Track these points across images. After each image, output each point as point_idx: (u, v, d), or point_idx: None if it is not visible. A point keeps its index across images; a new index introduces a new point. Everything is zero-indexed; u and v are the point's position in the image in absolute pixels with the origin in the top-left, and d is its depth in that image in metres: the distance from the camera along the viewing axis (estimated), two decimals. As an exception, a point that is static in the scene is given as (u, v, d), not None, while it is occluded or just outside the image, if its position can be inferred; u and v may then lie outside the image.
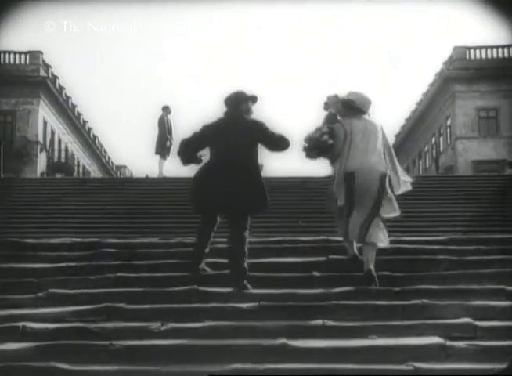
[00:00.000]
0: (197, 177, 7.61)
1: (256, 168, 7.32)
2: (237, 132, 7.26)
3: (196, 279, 7.73)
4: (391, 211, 7.52)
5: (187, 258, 8.26)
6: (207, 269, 8.08)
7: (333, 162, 7.48)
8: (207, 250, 7.93)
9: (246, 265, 7.51)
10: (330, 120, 19.25)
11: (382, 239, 7.42)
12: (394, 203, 7.41)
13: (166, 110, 20.84)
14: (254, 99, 7.59)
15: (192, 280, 7.72)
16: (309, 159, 7.42)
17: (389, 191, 7.40)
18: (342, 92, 8.25)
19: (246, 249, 7.52)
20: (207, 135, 7.44)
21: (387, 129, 7.76)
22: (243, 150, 7.25)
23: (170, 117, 20.91)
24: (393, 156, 7.34)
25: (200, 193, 7.55)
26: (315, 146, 7.25)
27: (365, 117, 7.41)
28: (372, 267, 7.40)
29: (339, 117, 7.66)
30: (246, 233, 7.55)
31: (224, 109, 7.57)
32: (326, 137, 7.19)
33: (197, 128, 7.59)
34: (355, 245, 7.83)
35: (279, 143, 7.32)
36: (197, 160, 7.62)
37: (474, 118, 39.93)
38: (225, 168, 7.26)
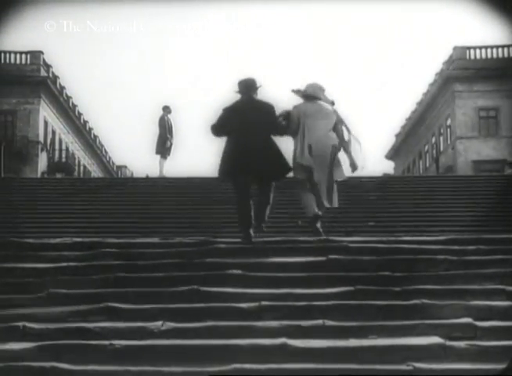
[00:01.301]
0: (226, 150, 8.60)
1: (273, 140, 8.53)
2: (256, 112, 8.46)
3: (249, 241, 8.75)
4: (341, 175, 8.97)
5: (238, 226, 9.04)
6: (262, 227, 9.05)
7: (293, 137, 8.80)
8: (251, 213, 8.71)
9: (266, 217, 8.89)
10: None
11: (335, 201, 9.17)
12: (342, 168, 8.74)
13: (166, 109, 20.84)
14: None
15: (247, 242, 8.72)
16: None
17: (339, 159, 8.73)
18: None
19: (270, 202, 8.78)
20: (231, 116, 8.55)
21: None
22: (262, 126, 8.40)
23: (170, 116, 20.91)
24: (347, 130, 8.72)
25: (231, 162, 8.48)
26: None
27: (319, 101, 8.84)
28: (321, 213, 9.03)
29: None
30: (272, 193, 8.78)
31: (238, 92, 8.74)
32: (281, 119, 8.71)
33: (219, 112, 8.70)
34: (315, 204, 9.04)
35: (278, 128, 8.73)
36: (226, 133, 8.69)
37: (474, 118, 39.92)
38: (249, 140, 8.34)
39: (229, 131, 8.56)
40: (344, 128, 8.73)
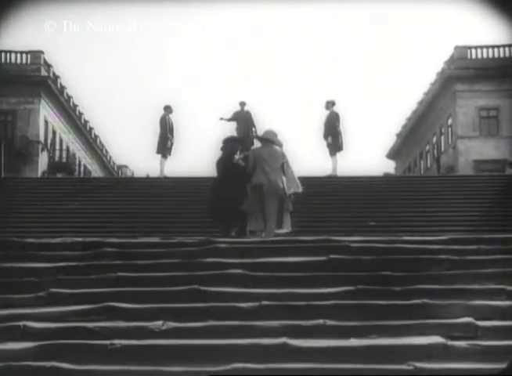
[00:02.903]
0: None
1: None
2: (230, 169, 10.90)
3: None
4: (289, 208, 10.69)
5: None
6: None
7: (250, 176, 10.59)
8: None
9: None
10: (332, 118, 19.37)
11: (287, 226, 10.57)
12: (289, 202, 10.57)
13: (168, 109, 20.81)
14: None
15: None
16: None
17: (286, 193, 10.54)
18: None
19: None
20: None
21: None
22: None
23: (171, 116, 20.89)
24: (290, 171, 10.57)
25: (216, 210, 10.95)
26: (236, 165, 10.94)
27: (272, 145, 10.61)
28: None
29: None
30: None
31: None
32: (240, 161, 10.78)
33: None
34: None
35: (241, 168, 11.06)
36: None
37: (475, 118, 39.88)
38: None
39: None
40: (285, 165, 10.69)
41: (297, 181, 10.76)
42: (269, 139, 10.61)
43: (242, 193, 10.55)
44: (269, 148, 10.50)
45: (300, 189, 10.74)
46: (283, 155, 10.63)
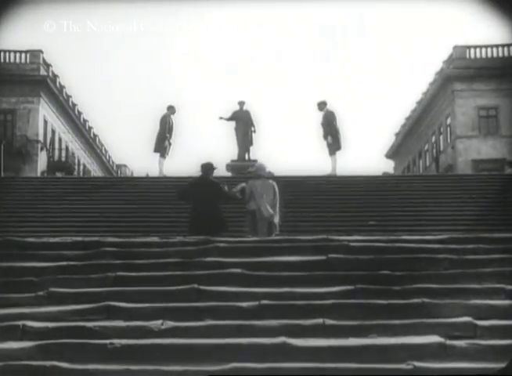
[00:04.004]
0: (191, 214, 12.06)
1: (217, 206, 11.95)
2: (207, 187, 11.96)
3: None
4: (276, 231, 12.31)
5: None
6: None
7: (245, 204, 12.38)
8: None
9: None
10: (328, 117, 19.38)
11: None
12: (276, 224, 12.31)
13: (170, 109, 20.70)
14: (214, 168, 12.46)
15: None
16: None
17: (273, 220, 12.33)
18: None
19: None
20: (192, 189, 12.18)
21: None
22: (211, 197, 11.90)
23: (173, 117, 20.81)
24: (277, 201, 12.31)
25: (193, 223, 11.84)
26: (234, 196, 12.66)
27: (264, 178, 12.42)
28: None
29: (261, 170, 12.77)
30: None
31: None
32: (237, 194, 12.41)
33: (185, 185, 12.55)
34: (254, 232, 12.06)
35: (227, 198, 12.29)
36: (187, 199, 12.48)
37: (474, 117, 39.85)
38: (202, 208, 11.85)
39: (190, 199, 12.15)
40: (276, 196, 12.43)
41: (278, 214, 12.46)
42: (261, 173, 12.59)
43: (215, 212, 11.90)
44: (263, 181, 12.38)
45: (278, 224, 12.36)
46: (274, 187, 12.42)
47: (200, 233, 10.95)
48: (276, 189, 12.40)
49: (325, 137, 19.38)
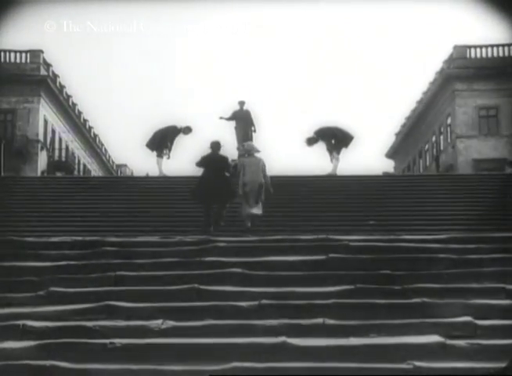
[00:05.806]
0: (199, 180, 13.80)
1: (226, 177, 13.75)
2: (217, 161, 13.82)
3: (208, 233, 11.93)
4: (258, 211, 13.66)
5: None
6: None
7: (238, 176, 13.88)
8: (211, 219, 13.13)
9: (222, 221, 13.25)
10: (314, 141, 19.24)
11: (261, 211, 13.55)
12: (260, 206, 13.73)
13: (186, 130, 19.70)
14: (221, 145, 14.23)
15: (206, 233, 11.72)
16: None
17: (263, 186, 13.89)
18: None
19: (223, 214, 13.40)
20: (205, 161, 13.90)
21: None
22: (220, 169, 13.75)
23: (183, 136, 19.97)
24: (266, 175, 13.95)
25: (200, 189, 13.54)
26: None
27: (253, 155, 14.23)
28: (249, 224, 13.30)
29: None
30: (224, 211, 13.47)
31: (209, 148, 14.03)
32: (233, 166, 14.13)
33: (199, 158, 14.09)
34: (249, 221, 13.39)
35: (229, 170, 13.91)
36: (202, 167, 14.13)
37: (475, 117, 39.80)
38: (212, 177, 13.60)
39: (203, 168, 13.99)
40: (264, 167, 14.15)
41: (269, 180, 14.08)
42: (250, 151, 14.55)
43: (223, 182, 13.56)
44: (251, 158, 14.24)
45: (271, 190, 13.90)
46: (261, 161, 14.20)
47: (207, 199, 13.16)
48: (264, 162, 14.25)
49: (330, 152, 19.10)
